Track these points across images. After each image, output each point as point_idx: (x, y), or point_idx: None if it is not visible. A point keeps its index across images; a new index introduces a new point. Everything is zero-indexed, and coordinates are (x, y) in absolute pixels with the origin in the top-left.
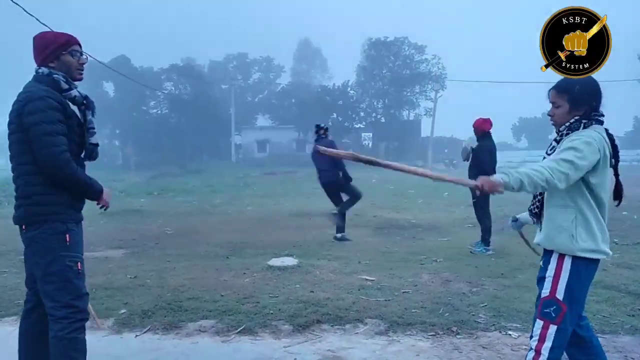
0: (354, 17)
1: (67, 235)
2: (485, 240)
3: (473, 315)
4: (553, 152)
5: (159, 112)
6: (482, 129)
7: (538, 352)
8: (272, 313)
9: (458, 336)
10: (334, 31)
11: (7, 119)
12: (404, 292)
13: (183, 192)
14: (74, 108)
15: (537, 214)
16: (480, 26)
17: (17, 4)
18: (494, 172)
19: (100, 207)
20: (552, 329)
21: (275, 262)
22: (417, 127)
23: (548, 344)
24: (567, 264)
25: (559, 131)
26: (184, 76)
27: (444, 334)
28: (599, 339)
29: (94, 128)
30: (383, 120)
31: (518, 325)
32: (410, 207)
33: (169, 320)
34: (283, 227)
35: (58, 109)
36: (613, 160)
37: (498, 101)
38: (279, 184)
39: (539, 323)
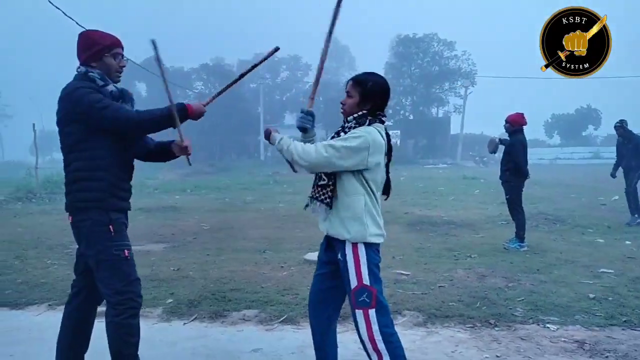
0: (382, 14)
1: (111, 226)
2: (520, 236)
3: (510, 308)
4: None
5: None
6: (519, 123)
7: (372, 339)
8: None
9: (496, 328)
10: (362, 29)
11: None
12: (439, 286)
13: (215, 190)
14: None
15: (329, 203)
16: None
17: (51, 2)
18: (527, 167)
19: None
20: (372, 312)
21: (311, 256)
22: (446, 124)
23: (376, 327)
24: (361, 250)
25: (347, 121)
26: (213, 75)
27: (482, 326)
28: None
29: None
30: (411, 117)
31: (556, 319)
32: (442, 204)
33: (214, 309)
34: (316, 223)
35: (94, 92)
36: (386, 158)
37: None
38: (308, 181)
39: (359, 313)
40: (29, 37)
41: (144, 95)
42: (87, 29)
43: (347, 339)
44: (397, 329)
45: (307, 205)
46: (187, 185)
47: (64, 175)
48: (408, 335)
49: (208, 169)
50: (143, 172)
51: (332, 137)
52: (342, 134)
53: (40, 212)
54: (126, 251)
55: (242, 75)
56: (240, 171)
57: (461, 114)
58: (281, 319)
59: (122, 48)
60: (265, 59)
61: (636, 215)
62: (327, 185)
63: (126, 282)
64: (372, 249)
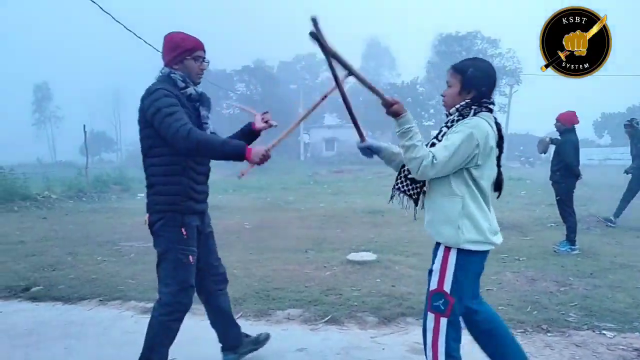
0: (423, 12)
1: (183, 229)
2: (571, 239)
3: (563, 314)
4: (444, 138)
5: (232, 112)
6: (571, 122)
7: (435, 347)
8: (356, 305)
9: (549, 334)
10: (403, 28)
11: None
12: (487, 289)
13: (256, 189)
14: (190, 105)
15: (416, 200)
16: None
17: (96, 3)
18: (579, 167)
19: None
20: (444, 321)
21: (354, 257)
22: None
23: (442, 337)
24: (452, 256)
25: (449, 113)
26: (254, 77)
27: (534, 331)
28: None
29: (207, 123)
30: None
31: (613, 325)
32: None
33: (259, 307)
34: (357, 224)
35: (171, 96)
36: (497, 150)
37: (578, 95)
38: (348, 181)
39: (430, 316)
40: (79, 40)
41: None
42: (128, 27)
43: (393, 342)
44: None
45: (392, 197)
46: (229, 185)
47: (109, 175)
48: None
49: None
50: None
51: (439, 134)
52: (444, 129)
53: (91, 211)
54: (191, 257)
55: (309, 112)
56: (280, 171)
57: (506, 113)
58: (325, 319)
59: (204, 51)
60: (325, 97)
61: (613, 218)
62: (418, 181)
63: (182, 287)
64: (467, 256)
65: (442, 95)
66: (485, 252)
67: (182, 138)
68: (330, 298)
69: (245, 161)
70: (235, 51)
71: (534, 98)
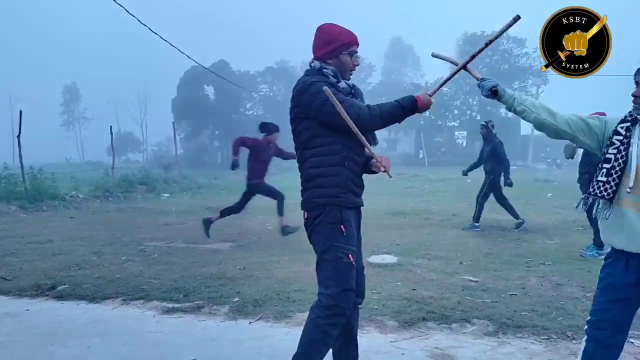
0: (448, 11)
1: (342, 227)
2: (598, 243)
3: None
4: None
5: (255, 113)
6: None
7: None
8: (376, 308)
9: (574, 341)
10: (427, 28)
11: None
12: (511, 294)
13: (279, 190)
14: None
15: (610, 199)
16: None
17: (119, 4)
18: None
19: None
20: None
21: (375, 259)
22: (516, 124)
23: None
24: None
25: None
26: (277, 78)
27: (558, 338)
28: None
29: None
30: (479, 117)
31: None
32: None
33: (279, 309)
34: (379, 226)
35: (330, 85)
36: None
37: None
38: (371, 182)
39: None
40: (107, 43)
41: (212, 98)
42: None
43: (413, 346)
44: (466, 337)
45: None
46: None
47: (135, 175)
48: (478, 345)
49: (272, 169)
50: (212, 172)
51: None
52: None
53: (116, 210)
54: (350, 256)
55: (473, 56)
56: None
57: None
58: None
59: (358, 45)
60: (504, 31)
61: (475, 224)
62: (609, 175)
63: (342, 290)
64: None
65: (634, 96)
66: None
67: (366, 119)
68: None
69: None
70: (259, 52)
71: (562, 98)
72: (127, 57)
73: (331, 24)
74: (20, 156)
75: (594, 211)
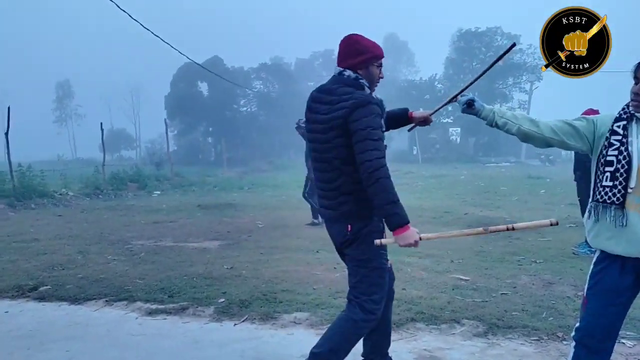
0: (442, 8)
1: (384, 234)
2: None
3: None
4: None
5: (249, 109)
6: None
7: None
8: None
9: (564, 342)
10: (422, 24)
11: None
12: (502, 293)
13: (272, 187)
14: None
15: (621, 204)
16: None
17: (113, 2)
18: None
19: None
20: None
21: None
22: None
23: None
24: None
25: None
26: (272, 74)
27: (549, 339)
28: None
29: (384, 129)
30: None
31: (632, 334)
32: (504, 204)
33: (265, 310)
34: None
35: (380, 115)
36: None
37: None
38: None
39: None
40: (100, 39)
41: (206, 94)
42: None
43: (401, 348)
44: (455, 338)
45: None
46: (245, 182)
47: (126, 172)
48: (467, 347)
49: (266, 166)
50: (204, 169)
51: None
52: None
53: (106, 208)
54: (389, 263)
55: (477, 78)
56: (297, 169)
57: (526, 110)
58: None
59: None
60: (499, 59)
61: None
62: (616, 178)
63: (384, 295)
64: None
65: (634, 94)
66: None
67: (374, 169)
68: (339, 301)
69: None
70: (253, 49)
71: (556, 95)
72: (120, 54)
73: (360, 35)
74: (8, 153)
75: (608, 220)
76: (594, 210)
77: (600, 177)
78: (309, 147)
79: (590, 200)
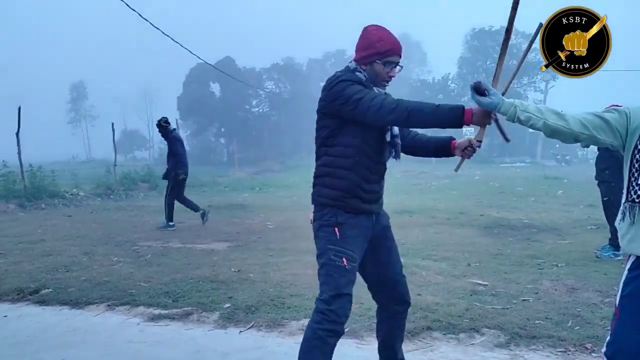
0: (455, 7)
1: (336, 229)
2: (614, 243)
3: (609, 330)
4: None
5: (261, 110)
6: None
7: None
8: None
9: (594, 354)
10: (435, 24)
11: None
12: (523, 299)
13: (284, 188)
14: None
15: None
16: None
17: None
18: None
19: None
20: None
21: None
22: None
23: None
24: None
25: None
26: (284, 75)
27: (577, 350)
28: None
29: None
30: None
31: None
32: (521, 205)
33: (272, 317)
34: None
35: (355, 84)
36: None
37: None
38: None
39: None
40: (114, 41)
41: (218, 95)
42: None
43: (416, 359)
44: (475, 349)
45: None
46: (256, 183)
47: (137, 172)
48: (488, 359)
49: (277, 166)
50: (216, 170)
51: None
52: None
53: (116, 208)
54: (345, 260)
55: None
56: (309, 170)
57: None
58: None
59: (400, 55)
60: (533, 40)
61: (170, 223)
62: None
63: (333, 294)
64: None
65: None
66: None
67: (389, 112)
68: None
69: (464, 127)
70: (265, 49)
71: (572, 94)
72: (133, 56)
73: (377, 26)
74: (19, 153)
75: None
76: (629, 212)
77: (636, 174)
78: None
79: (623, 201)
